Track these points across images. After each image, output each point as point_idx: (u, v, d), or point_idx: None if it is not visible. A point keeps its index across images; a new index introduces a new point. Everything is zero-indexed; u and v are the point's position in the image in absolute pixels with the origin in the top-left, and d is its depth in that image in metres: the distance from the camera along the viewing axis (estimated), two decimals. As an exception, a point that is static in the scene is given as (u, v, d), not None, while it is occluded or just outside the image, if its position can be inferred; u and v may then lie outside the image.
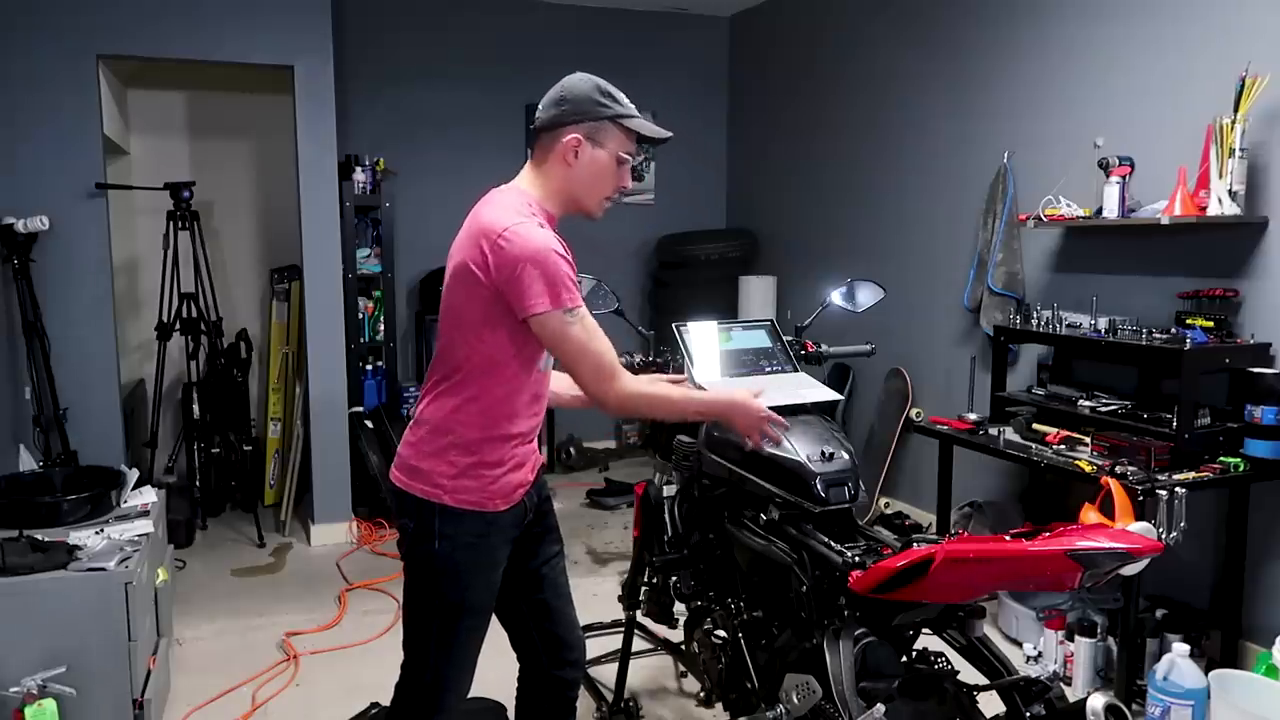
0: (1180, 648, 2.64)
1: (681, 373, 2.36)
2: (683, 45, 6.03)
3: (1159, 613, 3.11)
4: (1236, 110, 2.88)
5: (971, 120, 4.17)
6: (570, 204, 1.92)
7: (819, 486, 2.00)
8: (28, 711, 2.37)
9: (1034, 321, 3.53)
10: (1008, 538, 1.62)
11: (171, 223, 4.52)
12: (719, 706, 2.39)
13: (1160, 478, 2.77)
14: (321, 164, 4.36)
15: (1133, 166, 3.22)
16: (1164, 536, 2.64)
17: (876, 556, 1.86)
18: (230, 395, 4.94)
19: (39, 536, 2.69)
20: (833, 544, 1.97)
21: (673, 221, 5.98)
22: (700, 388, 2.24)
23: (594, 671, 2.99)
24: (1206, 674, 2.64)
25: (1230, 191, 2.92)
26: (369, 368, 5.04)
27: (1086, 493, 2.28)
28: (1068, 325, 3.39)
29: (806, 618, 2.01)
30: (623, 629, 2.81)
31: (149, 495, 3.19)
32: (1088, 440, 3.10)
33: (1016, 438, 3.34)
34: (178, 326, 4.58)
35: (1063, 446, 3.16)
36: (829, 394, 2.31)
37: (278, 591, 3.97)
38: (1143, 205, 3.22)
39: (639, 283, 6.08)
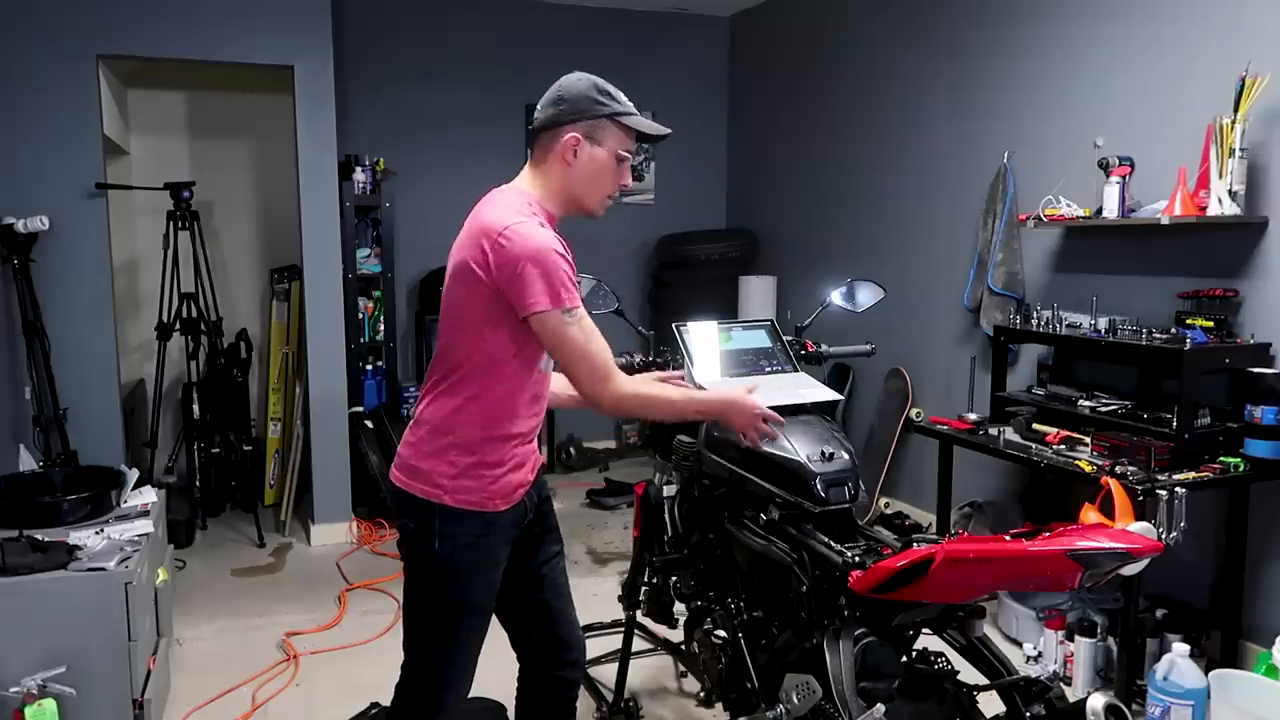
0: (1180, 648, 2.64)
1: (681, 372, 2.36)
2: (683, 45, 6.03)
3: (1159, 613, 3.11)
4: (1236, 110, 2.88)
5: (971, 120, 4.16)
6: (571, 203, 1.92)
7: (819, 486, 2.00)
8: (28, 711, 2.37)
9: (1034, 321, 3.53)
10: (1008, 538, 1.62)
11: (171, 223, 4.52)
12: (719, 706, 2.38)
13: (1160, 478, 2.77)
14: (321, 164, 4.36)
15: (1133, 166, 3.22)
16: (1164, 536, 2.64)
17: (876, 556, 1.86)
18: (230, 395, 4.94)
19: (39, 536, 2.69)
20: (833, 544, 1.97)
21: (673, 221, 5.98)
22: (700, 388, 2.24)
23: (594, 671, 2.99)
24: (1206, 674, 2.64)
25: (1230, 191, 2.92)
26: (369, 368, 5.04)
27: (1086, 493, 2.28)
28: (1068, 325, 3.39)
29: (806, 618, 2.01)
30: (623, 629, 2.81)
31: (149, 495, 3.19)
32: (1088, 440, 3.10)
33: (1016, 438, 3.34)
34: (178, 326, 4.58)
35: (1063, 446, 3.16)
36: (829, 394, 2.31)
37: (278, 591, 3.97)
38: (1143, 205, 3.22)
39: (639, 283, 6.08)
